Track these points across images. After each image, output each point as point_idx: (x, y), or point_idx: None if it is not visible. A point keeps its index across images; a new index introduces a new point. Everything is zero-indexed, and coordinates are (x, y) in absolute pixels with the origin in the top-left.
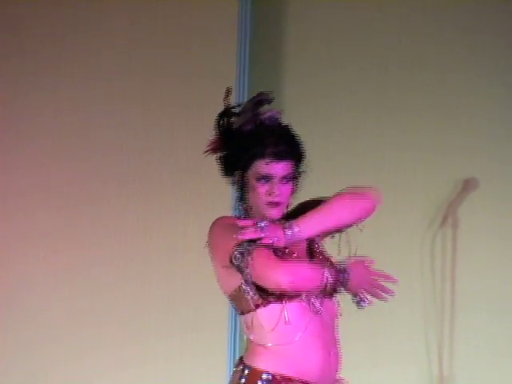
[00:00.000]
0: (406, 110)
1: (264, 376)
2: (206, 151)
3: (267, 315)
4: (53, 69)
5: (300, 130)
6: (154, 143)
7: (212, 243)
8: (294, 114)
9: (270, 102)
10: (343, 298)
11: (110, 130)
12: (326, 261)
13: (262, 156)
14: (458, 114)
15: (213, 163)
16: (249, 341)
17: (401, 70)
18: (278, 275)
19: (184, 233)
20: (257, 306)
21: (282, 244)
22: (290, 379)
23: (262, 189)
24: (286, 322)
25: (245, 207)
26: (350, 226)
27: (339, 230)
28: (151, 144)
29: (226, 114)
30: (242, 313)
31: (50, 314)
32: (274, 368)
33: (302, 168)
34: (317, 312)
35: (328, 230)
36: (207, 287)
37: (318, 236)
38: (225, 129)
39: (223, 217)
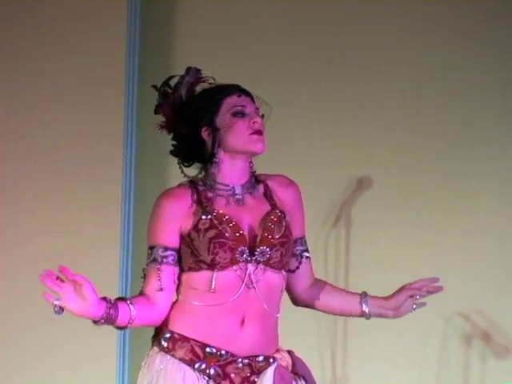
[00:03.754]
0: (293, 103)
1: (166, 334)
2: (161, 129)
3: (197, 280)
4: None
5: None
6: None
7: (152, 222)
8: None
9: (199, 70)
10: None
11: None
12: (281, 228)
13: (230, 92)
14: (351, 106)
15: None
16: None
17: (287, 65)
18: None
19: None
20: (190, 269)
21: None
22: (186, 338)
23: (243, 122)
24: (210, 290)
25: (216, 164)
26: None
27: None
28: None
29: (163, 91)
30: (183, 270)
31: None
32: (178, 327)
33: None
34: (250, 285)
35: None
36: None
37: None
38: (177, 99)
39: (164, 197)
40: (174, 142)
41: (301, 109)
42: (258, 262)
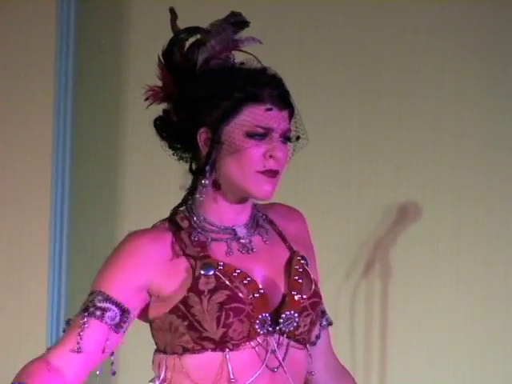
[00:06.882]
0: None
1: None
2: (148, 97)
3: (198, 367)
4: None
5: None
6: None
7: (108, 263)
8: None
9: (247, 25)
10: None
11: None
12: (309, 283)
13: (259, 99)
14: (393, 106)
15: None
16: None
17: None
18: None
19: None
20: (185, 350)
21: None
22: None
23: (257, 150)
24: (230, 380)
25: (202, 187)
26: None
27: None
28: None
29: (180, 41)
30: (165, 352)
31: None
32: None
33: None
34: (273, 369)
35: None
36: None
37: None
38: (187, 64)
39: (137, 236)
40: (163, 115)
41: (313, 100)
42: (281, 334)
